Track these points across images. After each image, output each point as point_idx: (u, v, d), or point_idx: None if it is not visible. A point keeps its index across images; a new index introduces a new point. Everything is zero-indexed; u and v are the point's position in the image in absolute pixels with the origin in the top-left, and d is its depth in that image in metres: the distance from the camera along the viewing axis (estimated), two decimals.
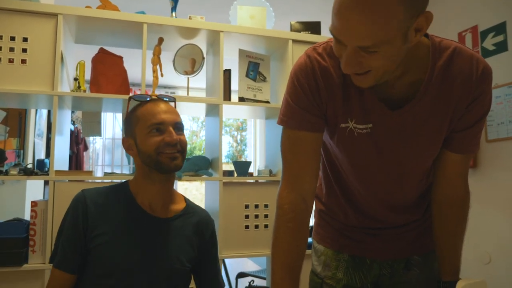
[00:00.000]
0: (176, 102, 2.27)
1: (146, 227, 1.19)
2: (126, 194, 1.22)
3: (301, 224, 0.97)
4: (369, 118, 0.94)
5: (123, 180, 1.26)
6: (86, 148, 5.24)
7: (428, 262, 1.12)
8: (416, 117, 0.93)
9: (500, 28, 2.82)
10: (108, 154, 6.29)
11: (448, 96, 0.92)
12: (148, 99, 1.23)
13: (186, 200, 1.32)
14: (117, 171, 6.05)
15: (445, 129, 0.96)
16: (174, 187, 1.32)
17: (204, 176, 2.31)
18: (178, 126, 1.20)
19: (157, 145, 1.15)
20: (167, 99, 1.26)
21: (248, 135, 8.23)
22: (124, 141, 1.24)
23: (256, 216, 2.30)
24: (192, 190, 11.64)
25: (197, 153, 11.22)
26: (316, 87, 0.94)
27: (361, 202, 1.09)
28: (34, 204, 2.00)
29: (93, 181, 2.14)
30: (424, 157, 1.00)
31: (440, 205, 1.06)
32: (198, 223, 1.27)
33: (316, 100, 0.95)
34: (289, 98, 0.98)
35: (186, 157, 2.34)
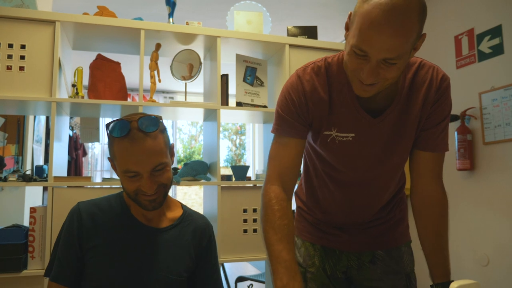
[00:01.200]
0: (174, 108, 2.30)
1: (142, 238, 1.17)
2: (121, 205, 1.20)
3: (286, 208, 1.08)
4: (352, 127, 1.09)
5: (118, 185, 1.22)
6: (85, 153, 5.25)
7: (392, 257, 1.25)
8: (392, 122, 1.09)
9: (496, 31, 2.84)
10: (106, 159, 6.29)
11: (415, 101, 1.09)
12: (124, 134, 1.06)
13: (183, 206, 1.30)
14: (116, 176, 6.05)
15: (415, 130, 1.11)
16: (173, 192, 1.31)
17: (202, 180, 2.32)
18: (157, 168, 1.08)
19: (135, 189, 1.09)
20: (149, 130, 1.07)
21: (247, 139, 8.23)
22: (110, 161, 1.17)
23: (254, 220, 2.31)
24: (191, 195, 11.63)
25: (196, 157, 11.22)
26: (305, 103, 1.10)
27: (337, 202, 1.23)
28: (33, 210, 2.00)
29: (92, 186, 2.15)
30: (399, 156, 1.15)
31: (420, 209, 1.16)
32: (195, 231, 1.25)
33: (303, 112, 1.11)
34: (280, 110, 1.14)
35: (185, 162, 2.34)
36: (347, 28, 0.99)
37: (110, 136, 1.10)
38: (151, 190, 1.08)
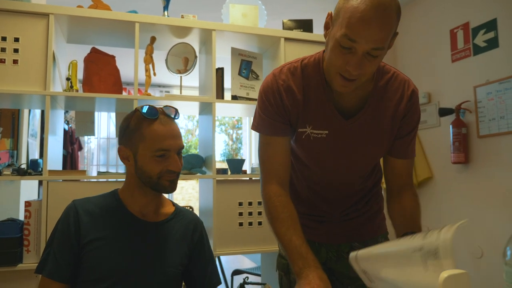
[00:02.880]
0: (170, 101, 2.30)
1: (138, 232, 1.19)
2: (116, 201, 1.22)
3: (285, 201, 1.14)
4: (326, 125, 1.15)
5: (114, 179, 1.24)
6: (80, 147, 5.23)
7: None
8: (362, 125, 1.15)
9: (491, 25, 2.85)
10: (103, 153, 6.28)
11: (386, 109, 1.16)
12: (156, 116, 1.18)
13: (174, 204, 1.33)
14: (112, 170, 6.05)
15: (386, 136, 1.18)
16: None
17: (198, 174, 2.32)
18: (180, 151, 1.21)
19: (160, 170, 1.15)
20: (173, 116, 1.22)
21: (243, 133, 8.23)
22: (122, 150, 1.21)
23: (250, 213, 2.32)
24: (188, 189, 11.64)
25: (193, 151, 11.21)
26: (281, 101, 1.14)
27: (311, 197, 1.28)
28: (28, 204, 2.00)
29: (88, 180, 2.15)
30: (368, 157, 1.22)
31: (395, 198, 1.22)
32: (187, 226, 1.28)
33: (280, 111, 1.15)
34: (260, 110, 1.18)
35: None
36: (327, 27, 1.04)
37: (141, 119, 1.17)
38: (179, 167, 1.17)
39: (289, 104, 1.14)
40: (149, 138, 1.15)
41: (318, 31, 2.72)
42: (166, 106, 1.22)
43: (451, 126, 3.01)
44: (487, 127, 2.84)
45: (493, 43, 2.83)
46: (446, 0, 3.25)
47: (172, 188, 1.19)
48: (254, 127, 1.21)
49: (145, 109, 1.18)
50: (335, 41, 0.98)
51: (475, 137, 2.92)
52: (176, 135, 1.19)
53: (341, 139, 1.16)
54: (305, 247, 1.03)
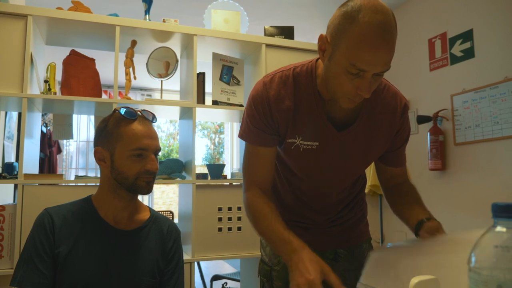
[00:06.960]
0: (150, 105, 2.28)
1: (110, 241, 1.18)
2: (89, 209, 1.21)
3: (264, 202, 1.13)
4: (316, 137, 1.12)
5: (92, 183, 1.22)
6: (59, 150, 5.15)
7: (354, 255, 1.32)
8: (354, 137, 1.14)
9: (467, 36, 2.92)
10: (82, 157, 6.18)
11: (379, 122, 1.15)
12: (135, 117, 1.19)
13: (151, 210, 1.32)
14: (92, 174, 5.95)
15: (377, 148, 1.18)
16: (153, 190, 1.31)
17: (177, 179, 2.31)
18: (157, 153, 1.22)
19: (138, 171, 1.15)
20: (151, 119, 1.24)
21: (225, 138, 8.22)
22: (98, 151, 1.20)
23: (229, 219, 2.31)
24: (169, 193, 11.56)
25: (174, 156, 11.13)
26: (269, 111, 1.11)
27: (296, 204, 1.27)
28: (1, 208, 1.96)
29: (66, 184, 2.11)
30: (357, 167, 1.23)
31: (393, 194, 1.25)
32: (162, 233, 1.27)
33: (268, 122, 1.12)
34: (248, 118, 1.15)
35: (160, 160, 2.33)
36: (323, 50, 0.99)
37: (120, 119, 1.18)
38: (156, 168, 1.18)
39: (278, 115, 1.11)
40: (127, 137, 1.16)
41: (299, 38, 2.75)
42: (144, 110, 1.24)
43: (428, 134, 3.07)
44: (463, 135, 2.90)
45: (469, 53, 2.91)
46: (425, 10, 3.33)
47: (148, 189, 1.19)
48: (241, 135, 1.19)
49: (123, 110, 1.19)
50: (342, 69, 0.94)
51: (452, 144, 2.99)
52: (154, 136, 1.20)
53: (332, 151, 1.14)
54: (287, 233, 1.02)
